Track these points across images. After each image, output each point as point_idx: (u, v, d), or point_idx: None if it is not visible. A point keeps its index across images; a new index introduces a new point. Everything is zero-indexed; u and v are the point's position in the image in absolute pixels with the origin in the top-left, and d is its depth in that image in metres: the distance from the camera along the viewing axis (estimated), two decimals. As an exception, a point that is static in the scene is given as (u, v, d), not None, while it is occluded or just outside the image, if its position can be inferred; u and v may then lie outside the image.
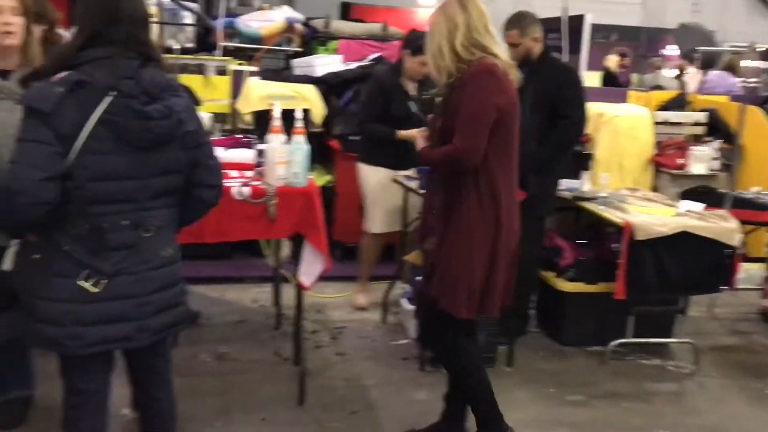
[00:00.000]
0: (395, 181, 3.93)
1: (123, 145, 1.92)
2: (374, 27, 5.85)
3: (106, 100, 1.89)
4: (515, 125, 2.55)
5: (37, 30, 2.87)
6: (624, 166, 5.09)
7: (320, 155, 4.67)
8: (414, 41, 3.96)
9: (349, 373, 3.50)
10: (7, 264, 2.08)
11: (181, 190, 2.10)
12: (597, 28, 7.44)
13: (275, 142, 2.93)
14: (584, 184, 4.12)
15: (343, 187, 4.85)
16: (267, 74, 5.13)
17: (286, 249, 4.01)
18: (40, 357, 2.79)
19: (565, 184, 3.99)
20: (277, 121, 2.94)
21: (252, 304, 4.35)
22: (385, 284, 4.24)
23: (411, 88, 4.05)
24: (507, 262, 2.59)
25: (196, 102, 2.17)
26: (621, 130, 5.08)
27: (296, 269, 3.06)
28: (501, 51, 2.54)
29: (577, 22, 6.48)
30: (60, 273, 1.96)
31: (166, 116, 1.95)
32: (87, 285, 1.96)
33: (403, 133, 3.83)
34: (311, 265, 3.00)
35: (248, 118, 4.73)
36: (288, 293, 3.97)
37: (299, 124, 2.95)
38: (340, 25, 5.86)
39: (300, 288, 3.09)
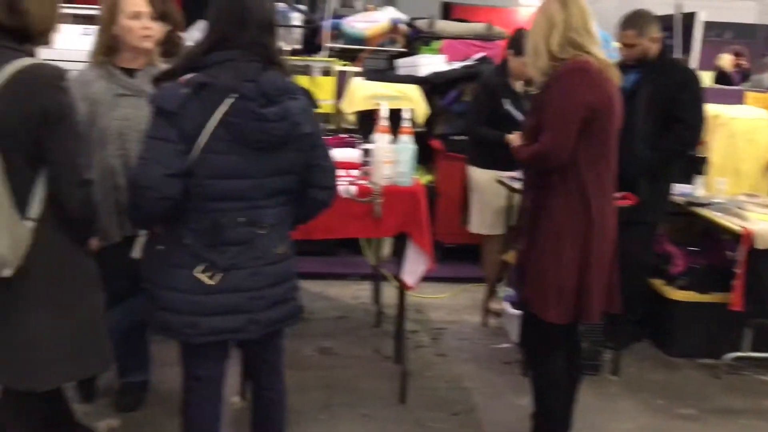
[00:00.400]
0: (499, 181, 3.89)
1: (241, 145, 1.99)
2: (478, 27, 5.80)
3: (227, 102, 1.96)
4: (611, 125, 2.47)
5: (161, 30, 2.98)
6: (741, 171, 4.80)
7: (422, 155, 4.67)
8: (518, 41, 3.91)
9: (450, 375, 3.49)
10: (137, 252, 2.20)
11: (295, 190, 2.15)
12: (710, 26, 7.10)
13: (382, 141, 2.95)
14: (698, 189, 3.95)
15: (445, 187, 4.84)
16: (371, 74, 5.19)
17: (386, 247, 4.04)
18: (157, 344, 2.92)
19: (677, 189, 3.84)
20: (384, 121, 2.96)
21: (352, 300, 4.42)
22: (484, 286, 4.21)
23: (518, 87, 4.00)
24: (603, 265, 2.50)
25: (314, 105, 2.21)
26: (738, 133, 4.80)
27: (397, 268, 3.08)
28: (599, 50, 2.47)
29: (688, 19, 6.21)
30: (180, 264, 2.05)
31: (281, 119, 2.00)
32: (203, 277, 2.05)
33: (511, 137, 3.78)
34: (415, 265, 3.01)
35: (352, 117, 4.79)
36: (388, 291, 4.01)
37: (406, 124, 2.97)
38: (443, 25, 5.84)
39: (402, 287, 3.10)
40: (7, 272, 1.92)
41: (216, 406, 2.26)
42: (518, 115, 3.83)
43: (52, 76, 1.96)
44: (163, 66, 2.69)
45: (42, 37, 2.03)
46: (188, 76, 2.01)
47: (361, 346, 3.73)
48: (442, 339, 3.92)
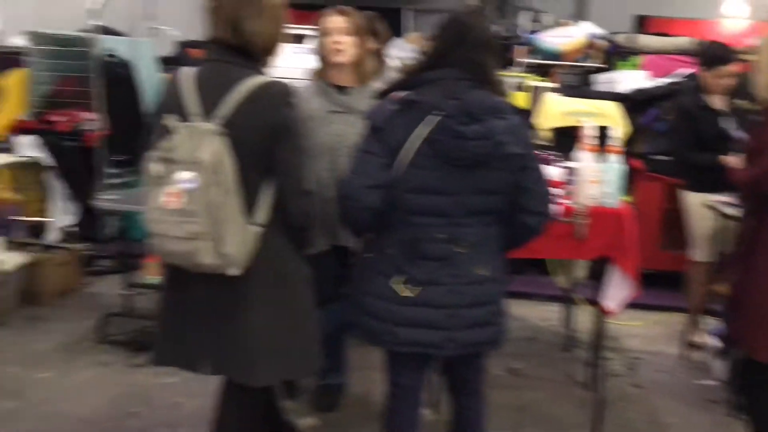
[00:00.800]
0: (709, 206, 3.62)
1: (441, 162, 2.01)
2: (681, 41, 5.48)
3: (431, 119, 1.99)
4: None
5: (369, 46, 3.09)
6: None
7: (620, 175, 4.48)
8: (706, 54, 3.65)
9: (648, 408, 3.29)
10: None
11: (502, 212, 2.11)
12: None
13: (587, 160, 2.86)
14: None
15: (643, 209, 4.59)
16: (565, 90, 5.06)
17: (578, 270, 3.89)
18: (358, 348, 3.00)
19: None
20: (590, 139, 2.87)
21: (541, 322, 4.31)
22: (685, 316, 3.94)
23: (718, 103, 3.71)
24: None
25: (528, 126, 2.17)
26: None
27: (591, 291, 2.95)
28: None
29: None
30: (382, 273, 2.11)
31: (482, 137, 1.98)
32: (401, 288, 2.08)
33: (728, 159, 3.51)
34: (617, 290, 2.87)
35: (547, 134, 4.69)
36: (577, 315, 3.87)
37: (614, 143, 2.86)
38: (644, 40, 5.59)
39: (602, 312, 2.97)
40: (235, 271, 2.04)
41: (413, 414, 2.29)
42: (737, 134, 3.55)
43: (283, 93, 2.09)
44: (375, 84, 2.80)
45: (266, 55, 2.17)
46: (400, 93, 2.08)
47: (552, 369, 3.63)
48: (638, 369, 3.71)
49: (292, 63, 3.63)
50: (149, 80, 4.96)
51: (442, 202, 2.05)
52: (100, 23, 4.59)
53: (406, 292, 2.08)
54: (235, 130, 1.99)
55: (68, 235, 4.71)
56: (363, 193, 2.02)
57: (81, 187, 4.64)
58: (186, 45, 6.15)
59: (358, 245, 2.37)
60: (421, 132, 2.00)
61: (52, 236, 4.68)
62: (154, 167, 2.02)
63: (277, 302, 2.15)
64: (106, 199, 3.79)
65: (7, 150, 4.71)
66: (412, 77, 2.11)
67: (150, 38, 5.50)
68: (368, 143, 2.06)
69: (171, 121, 2.02)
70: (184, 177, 1.96)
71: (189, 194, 1.96)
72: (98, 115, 4.48)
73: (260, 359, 2.14)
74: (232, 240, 2.01)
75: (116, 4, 4.70)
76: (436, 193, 2.04)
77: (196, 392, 2.96)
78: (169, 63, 5.32)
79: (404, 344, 2.12)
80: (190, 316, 2.16)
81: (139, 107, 4.81)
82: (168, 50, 6.02)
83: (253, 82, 2.04)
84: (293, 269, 2.19)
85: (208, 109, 2.03)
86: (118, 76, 4.76)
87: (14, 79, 4.90)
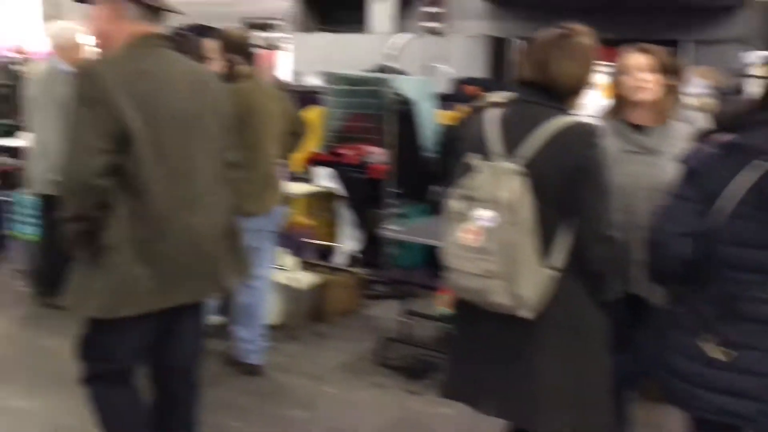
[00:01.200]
0: None
1: (764, 212, 1.80)
2: None
3: (757, 165, 1.80)
4: None
5: (667, 83, 2.91)
6: None
7: None
8: None
9: None
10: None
11: None
12: None
13: None
14: None
15: None
16: None
17: None
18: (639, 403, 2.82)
19: None
20: None
21: None
22: None
23: None
24: None
25: None
26: None
27: None
28: None
29: None
30: (688, 329, 1.95)
31: None
32: (710, 348, 1.90)
33: None
34: None
35: None
36: None
37: None
38: None
39: None
40: (527, 313, 2.02)
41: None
42: None
43: (587, 134, 2.06)
44: (674, 123, 2.63)
45: (572, 96, 2.14)
46: (723, 135, 1.92)
47: None
48: None
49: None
50: (428, 117, 5.21)
51: (763, 257, 1.84)
52: (393, 65, 4.92)
53: (717, 353, 1.90)
54: (537, 170, 1.99)
55: (352, 260, 5.09)
56: (674, 240, 1.91)
57: (366, 216, 4.99)
58: (462, 82, 6.37)
59: (657, 296, 2.23)
60: (745, 179, 1.82)
61: (338, 260, 5.08)
62: (455, 204, 2.08)
63: (570, 350, 2.10)
64: (390, 229, 4.01)
65: (305, 180, 5.23)
66: (737, 118, 1.94)
67: (428, 76, 5.78)
68: (683, 188, 1.93)
69: (474, 159, 2.06)
70: (484, 215, 2.00)
71: (487, 232, 1.99)
72: (385, 149, 4.78)
73: (546, 406, 2.09)
74: (527, 281, 2.00)
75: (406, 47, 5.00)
76: (760, 248, 1.85)
77: (470, 427, 2.97)
78: (446, 100, 5.54)
79: (707, 410, 1.94)
80: (479, 354, 2.18)
81: (419, 143, 5.05)
82: (445, 87, 6.28)
83: (557, 122, 2.03)
84: (588, 317, 2.12)
85: (511, 148, 2.05)
86: (401, 113, 5.06)
87: (312, 115, 5.44)
